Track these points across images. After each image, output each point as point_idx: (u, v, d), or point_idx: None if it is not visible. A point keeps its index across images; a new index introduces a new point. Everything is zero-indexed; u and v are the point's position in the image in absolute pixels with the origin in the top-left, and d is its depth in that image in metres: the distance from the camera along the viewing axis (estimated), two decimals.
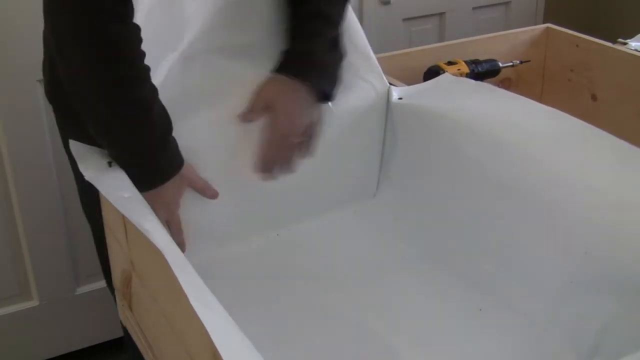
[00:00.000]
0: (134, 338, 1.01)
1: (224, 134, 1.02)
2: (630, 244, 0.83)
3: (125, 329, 1.08)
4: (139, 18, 0.91)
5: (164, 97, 0.96)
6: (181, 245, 0.99)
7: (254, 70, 1.06)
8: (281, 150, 1.04)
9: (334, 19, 1.06)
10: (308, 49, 1.04)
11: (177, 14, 0.98)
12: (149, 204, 0.89)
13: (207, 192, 1.01)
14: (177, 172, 0.96)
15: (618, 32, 1.53)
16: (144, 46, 0.92)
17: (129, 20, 0.89)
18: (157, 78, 0.97)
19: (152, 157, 0.94)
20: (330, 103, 1.07)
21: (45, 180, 1.50)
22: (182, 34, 1.00)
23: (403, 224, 1.11)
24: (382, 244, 1.08)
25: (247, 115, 1.03)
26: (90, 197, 1.05)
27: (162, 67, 0.99)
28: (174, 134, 0.96)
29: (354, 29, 1.12)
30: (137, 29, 0.90)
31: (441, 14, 1.90)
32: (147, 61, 0.93)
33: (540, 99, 1.53)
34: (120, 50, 0.88)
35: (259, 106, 1.03)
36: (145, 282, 0.90)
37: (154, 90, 0.93)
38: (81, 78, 0.90)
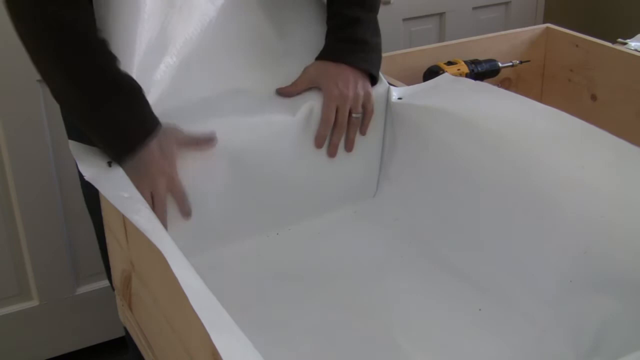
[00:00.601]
0: (134, 338, 1.01)
1: (227, 136, 1.03)
2: (629, 243, 0.83)
3: (126, 328, 1.08)
4: (140, 26, 0.93)
5: (167, 104, 0.98)
6: (187, 213, 0.99)
7: (257, 71, 1.09)
8: (337, 127, 1.08)
9: (370, 4, 1.10)
10: (348, 34, 1.08)
11: (173, 20, 1.01)
12: (144, 176, 0.91)
13: (204, 144, 0.99)
14: (151, 131, 0.94)
15: (618, 32, 1.53)
16: (146, 55, 0.94)
17: (79, 5, 0.91)
18: (155, 84, 0.99)
19: (120, 116, 0.93)
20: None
21: (45, 180, 1.50)
22: (177, 38, 1.03)
23: (403, 224, 1.11)
24: (382, 244, 1.08)
25: (289, 89, 1.08)
26: (92, 194, 1.05)
27: (160, 72, 1.00)
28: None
29: None
30: (90, 12, 0.92)
31: (441, 14, 1.90)
32: (145, 69, 0.95)
33: (539, 99, 1.53)
34: (72, 28, 0.90)
35: (304, 84, 1.08)
36: (145, 282, 0.90)
37: (112, 57, 0.94)
38: (39, 60, 0.92)
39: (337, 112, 1.08)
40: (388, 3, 1.79)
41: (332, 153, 1.10)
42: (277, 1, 1.12)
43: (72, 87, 0.92)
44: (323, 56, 1.09)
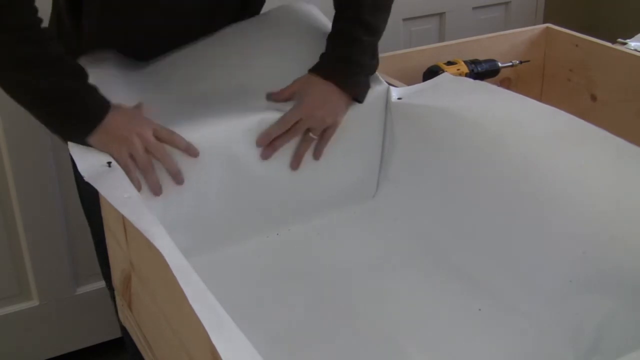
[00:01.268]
0: (134, 338, 1.01)
1: (226, 136, 1.03)
2: (628, 243, 0.83)
3: (124, 329, 1.08)
4: None
5: (169, 108, 1.01)
6: (192, 150, 0.99)
7: (257, 74, 1.10)
8: (289, 133, 1.06)
9: (374, 27, 1.09)
10: (346, 53, 1.07)
11: None
12: (127, 134, 0.93)
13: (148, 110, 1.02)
14: (109, 106, 0.96)
15: (618, 32, 1.53)
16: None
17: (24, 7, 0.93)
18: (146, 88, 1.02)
19: (83, 98, 0.95)
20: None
21: (45, 180, 1.50)
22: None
23: (403, 224, 1.11)
24: (382, 244, 1.08)
25: (274, 95, 1.07)
26: (89, 196, 1.05)
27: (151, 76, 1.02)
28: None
29: None
30: (34, 11, 0.93)
31: (441, 14, 1.90)
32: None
33: (539, 99, 1.53)
34: (20, 26, 0.92)
35: (288, 91, 1.07)
36: (145, 282, 0.90)
37: (60, 48, 0.95)
38: None
39: (296, 122, 1.05)
40: None
41: (265, 155, 1.06)
42: (275, 21, 1.16)
43: (28, 78, 0.94)
44: (316, 70, 1.08)
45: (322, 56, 1.09)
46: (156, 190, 0.97)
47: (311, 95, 1.06)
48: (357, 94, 1.09)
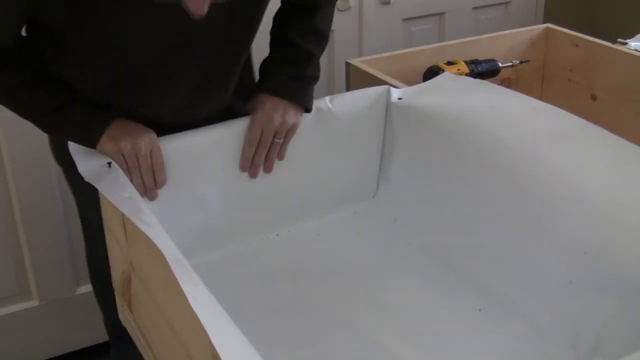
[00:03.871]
0: (134, 338, 1.01)
1: (226, 137, 1.03)
2: (629, 244, 0.83)
3: (112, 332, 1.09)
4: None
5: None
6: (152, 193, 1.00)
7: None
8: (260, 148, 1.06)
9: (325, 33, 1.10)
10: (302, 72, 1.07)
11: None
12: (125, 137, 0.94)
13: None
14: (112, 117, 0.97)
15: (618, 32, 1.53)
16: None
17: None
18: None
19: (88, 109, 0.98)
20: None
21: (45, 180, 1.50)
22: None
23: (403, 224, 1.11)
24: (382, 244, 1.08)
25: (244, 164, 1.06)
26: (82, 198, 1.07)
27: None
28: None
29: None
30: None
31: (441, 14, 1.90)
32: None
33: (539, 98, 1.52)
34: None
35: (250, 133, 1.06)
36: (145, 282, 0.90)
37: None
38: None
39: (261, 134, 1.05)
40: (388, 3, 1.79)
41: (254, 173, 1.07)
42: None
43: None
44: (270, 91, 1.06)
45: (276, 73, 1.08)
46: (141, 192, 0.97)
47: (264, 108, 1.05)
48: (309, 105, 1.08)
